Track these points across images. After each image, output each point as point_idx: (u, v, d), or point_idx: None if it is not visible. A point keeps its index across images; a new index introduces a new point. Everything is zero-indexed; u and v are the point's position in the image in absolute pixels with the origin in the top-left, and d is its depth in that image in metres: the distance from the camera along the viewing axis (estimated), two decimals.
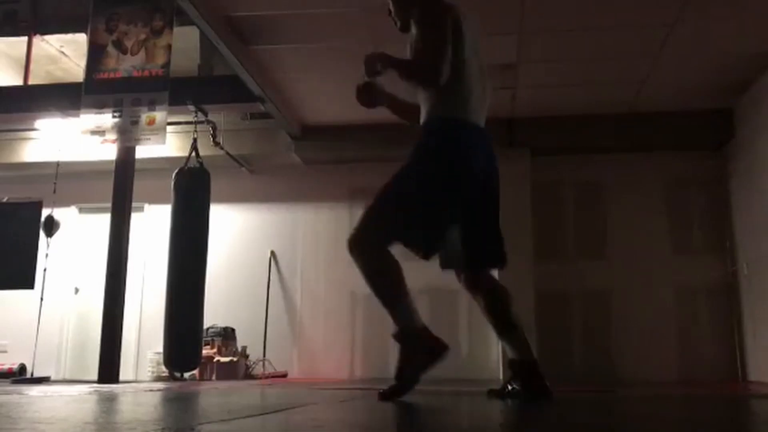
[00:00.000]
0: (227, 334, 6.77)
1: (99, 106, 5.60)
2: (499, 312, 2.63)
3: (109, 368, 5.35)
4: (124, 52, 5.68)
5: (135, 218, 5.91)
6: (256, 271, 7.29)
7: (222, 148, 6.66)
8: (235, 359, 6.59)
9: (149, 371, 6.86)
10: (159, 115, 5.49)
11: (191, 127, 6.04)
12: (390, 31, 2.96)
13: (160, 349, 5.65)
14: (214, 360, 6.51)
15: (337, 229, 6.71)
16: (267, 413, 2.01)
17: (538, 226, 6.70)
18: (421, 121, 2.63)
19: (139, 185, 5.86)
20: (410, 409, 2.44)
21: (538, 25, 5.11)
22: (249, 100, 6.02)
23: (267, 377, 6.52)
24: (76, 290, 7.49)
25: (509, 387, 2.61)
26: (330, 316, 7.06)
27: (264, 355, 6.86)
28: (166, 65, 5.58)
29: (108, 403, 2.62)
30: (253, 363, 6.84)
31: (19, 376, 6.56)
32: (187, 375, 6.09)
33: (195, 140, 5.91)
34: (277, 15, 5.06)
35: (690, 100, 6.38)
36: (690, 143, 6.81)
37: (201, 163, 5.82)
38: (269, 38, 5.34)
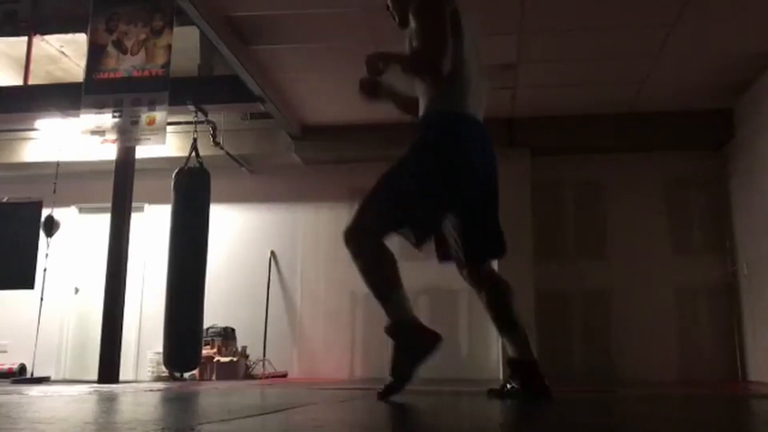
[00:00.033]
0: (227, 334, 6.77)
1: (99, 106, 5.60)
2: (501, 308, 2.63)
3: (109, 368, 5.35)
4: (124, 52, 5.68)
5: (135, 218, 5.91)
6: (256, 271, 7.29)
7: (222, 148, 6.66)
8: (235, 359, 6.59)
9: (149, 371, 6.86)
10: (159, 115, 5.49)
11: (191, 127, 6.04)
12: (390, 31, 2.96)
13: (160, 349, 5.65)
14: (214, 360, 6.51)
15: (337, 229, 6.65)
16: (267, 413, 2.01)
17: (538, 226, 6.70)
18: (420, 114, 2.64)
19: (139, 185, 5.86)
20: (410, 409, 2.44)
21: (538, 25, 5.11)
22: (249, 100, 6.02)
23: (267, 377, 6.52)
24: (76, 290, 7.49)
25: (508, 386, 2.61)
26: (330, 316, 7.06)
27: (264, 355, 6.85)
28: (166, 65, 5.58)
29: (108, 403, 2.62)
30: (253, 363, 6.84)
31: (19, 376, 6.56)
32: (187, 375, 6.09)
33: (195, 140, 5.91)
34: (277, 15, 5.06)
35: (690, 100, 6.38)
36: (690, 143, 6.81)
37: (201, 163, 5.82)
38: (269, 38, 5.34)
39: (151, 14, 5.69)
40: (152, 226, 7.23)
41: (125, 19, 5.74)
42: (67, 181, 6.62)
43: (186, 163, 5.78)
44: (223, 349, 6.65)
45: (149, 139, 5.50)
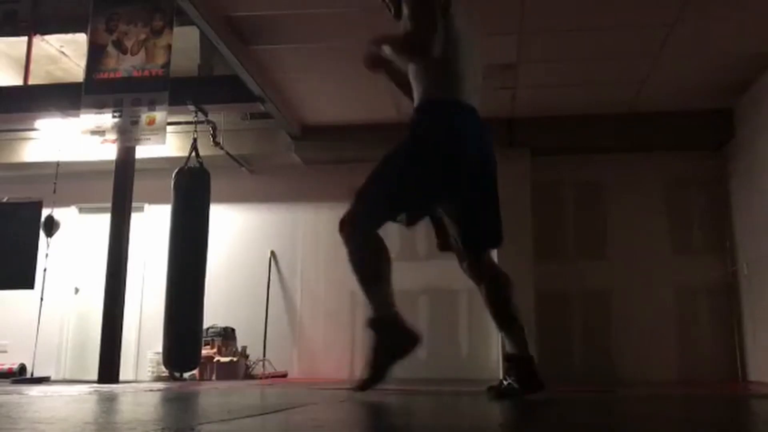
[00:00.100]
0: (227, 334, 6.77)
1: (99, 106, 5.60)
2: (501, 302, 2.63)
3: (109, 368, 5.34)
4: (124, 52, 5.68)
5: (135, 218, 5.91)
6: (256, 271, 7.29)
7: (222, 148, 6.66)
8: (235, 359, 6.59)
9: (149, 371, 6.86)
10: (159, 115, 5.49)
11: (191, 127, 6.04)
12: (390, 31, 2.95)
13: (160, 349, 5.65)
14: (214, 360, 6.51)
15: (336, 229, 6.70)
16: (267, 413, 2.01)
17: (538, 226, 6.70)
18: (414, 104, 2.65)
19: (139, 185, 5.86)
20: (410, 409, 2.44)
21: (538, 25, 5.11)
22: (249, 100, 6.02)
23: (267, 377, 6.52)
24: (76, 290, 7.49)
25: (505, 382, 2.61)
26: (330, 316, 7.06)
27: (264, 355, 6.85)
28: (166, 65, 5.58)
29: (108, 403, 2.62)
30: (253, 363, 6.84)
31: (19, 376, 6.56)
32: (187, 375, 6.09)
33: (195, 140, 5.91)
34: (277, 15, 5.06)
35: (690, 100, 6.38)
36: (690, 143, 6.81)
37: (201, 163, 5.82)
38: (269, 38, 5.34)
39: (151, 14, 5.69)
40: (152, 226, 7.23)
41: (125, 19, 5.74)
42: (67, 181, 6.62)
43: (186, 163, 5.78)
44: (223, 349, 6.65)
45: (149, 139, 5.50)
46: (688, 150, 6.86)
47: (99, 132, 5.56)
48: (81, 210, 7.72)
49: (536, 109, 6.57)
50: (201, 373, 6.39)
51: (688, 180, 6.92)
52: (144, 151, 5.96)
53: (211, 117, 6.29)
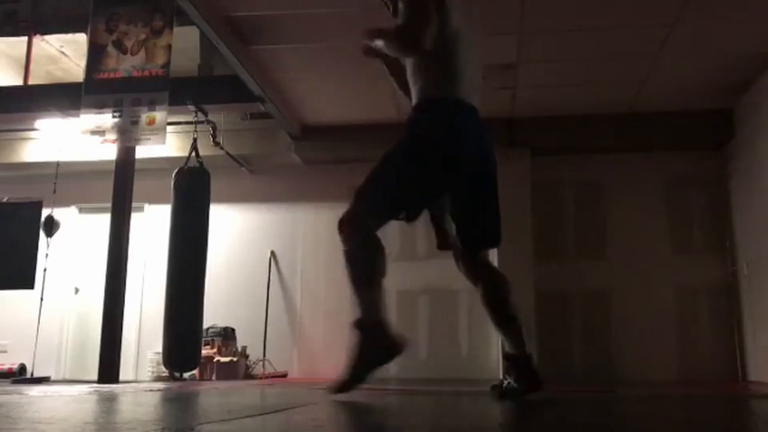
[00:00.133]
0: (227, 334, 6.77)
1: (99, 106, 5.60)
2: (498, 301, 2.62)
3: (109, 368, 5.34)
4: (124, 52, 5.68)
5: (135, 218, 5.91)
6: (256, 271, 7.29)
7: (222, 148, 6.66)
8: (235, 359, 6.59)
9: (149, 371, 6.86)
10: (159, 115, 5.49)
11: (191, 127, 6.04)
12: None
13: (160, 349, 5.65)
14: (214, 360, 6.51)
15: (336, 229, 6.71)
16: (267, 413, 2.01)
17: (538, 226, 6.70)
18: (413, 103, 2.64)
19: (139, 185, 5.86)
20: (410, 409, 2.44)
21: (538, 25, 5.11)
22: (249, 100, 6.02)
23: (267, 377, 6.52)
24: (76, 290, 7.49)
25: (506, 382, 2.61)
26: (330, 316, 7.06)
27: (264, 355, 6.85)
28: (166, 65, 5.58)
29: (108, 403, 2.62)
30: (253, 363, 6.84)
31: (19, 376, 6.56)
32: (186, 375, 6.09)
33: (195, 140, 5.91)
34: (277, 15, 5.06)
35: (690, 100, 6.38)
36: (690, 143, 6.81)
37: (201, 163, 5.82)
38: (269, 38, 5.34)
39: (151, 14, 5.69)
40: (152, 226, 7.23)
41: (125, 19, 5.74)
42: (67, 181, 6.62)
43: (186, 163, 5.78)
44: (223, 349, 6.65)
45: (149, 139, 5.50)
46: (688, 150, 6.86)
47: (99, 132, 5.56)
48: (81, 210, 7.72)
49: (536, 109, 6.57)
50: (201, 373, 6.39)
51: (688, 180, 6.92)
52: (144, 151, 5.96)
53: (211, 117, 6.29)
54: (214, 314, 6.39)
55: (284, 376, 6.74)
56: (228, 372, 6.49)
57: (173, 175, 5.72)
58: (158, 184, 6.27)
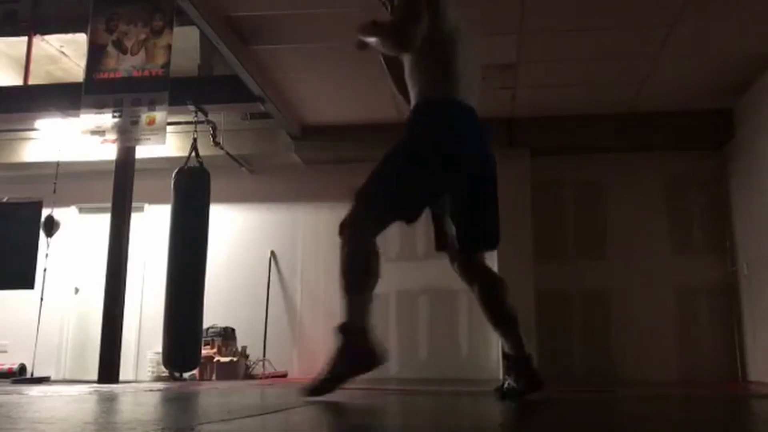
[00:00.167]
0: (227, 334, 6.77)
1: (99, 106, 5.60)
2: (495, 303, 2.61)
3: (109, 368, 5.34)
4: (124, 52, 5.68)
5: (135, 218, 5.91)
6: (256, 271, 7.29)
7: (222, 148, 6.66)
8: (235, 359, 6.59)
9: (149, 371, 6.86)
10: (159, 115, 5.49)
11: (191, 127, 6.04)
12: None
13: (160, 349, 5.65)
14: (214, 360, 6.51)
15: (336, 229, 6.71)
16: (267, 413, 2.01)
17: (538, 226, 6.70)
18: (412, 104, 2.63)
19: (139, 185, 5.86)
20: (410, 409, 2.44)
21: (538, 25, 5.11)
22: (249, 100, 6.02)
23: (267, 377, 6.52)
24: (76, 290, 7.49)
25: (506, 382, 2.61)
26: (330, 316, 7.04)
27: (264, 355, 6.85)
28: (166, 65, 5.58)
29: (108, 403, 2.62)
30: (253, 363, 6.84)
31: (19, 376, 6.56)
32: (186, 375, 6.09)
33: (195, 140, 5.91)
34: (277, 15, 5.06)
35: (690, 100, 6.38)
36: (690, 143, 6.81)
37: (201, 163, 5.82)
38: (269, 38, 5.34)
39: (151, 14, 5.69)
40: (152, 226, 7.23)
41: (125, 19, 5.74)
42: (67, 181, 6.62)
43: (186, 163, 5.78)
44: (223, 349, 6.65)
45: (149, 139, 5.50)
46: (688, 150, 6.86)
47: (99, 132, 5.56)
48: (81, 210, 7.72)
49: (536, 109, 6.57)
50: (201, 373, 6.39)
51: (688, 180, 6.92)
52: (144, 151, 5.96)
53: (211, 117, 6.29)
54: (214, 314, 6.39)
55: (284, 376, 6.74)
56: (228, 372, 6.49)
57: (173, 175, 5.72)
58: (158, 184, 6.28)
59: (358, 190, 2.54)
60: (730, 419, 2.14)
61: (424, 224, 2.73)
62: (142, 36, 5.67)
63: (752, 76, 5.87)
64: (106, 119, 5.56)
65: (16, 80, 6.51)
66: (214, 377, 6.47)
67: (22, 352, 6.64)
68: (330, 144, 7.02)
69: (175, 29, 5.62)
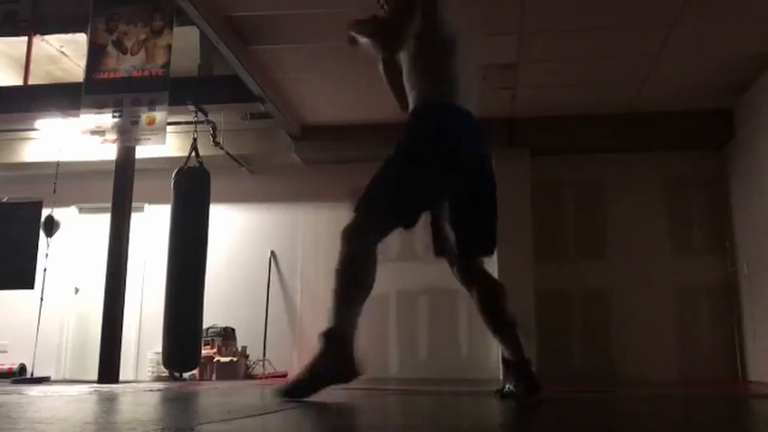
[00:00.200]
0: (227, 334, 6.77)
1: (99, 106, 5.60)
2: (493, 308, 2.60)
3: (109, 368, 5.35)
4: (124, 52, 5.68)
5: (135, 218, 5.91)
6: (256, 271, 7.29)
7: (222, 148, 6.66)
8: (235, 359, 6.59)
9: (149, 371, 6.86)
10: (159, 115, 5.49)
11: (191, 127, 6.04)
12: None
13: (160, 349, 5.65)
14: (214, 360, 6.51)
15: (337, 229, 6.67)
16: (267, 413, 2.01)
17: (538, 226, 6.70)
18: (410, 107, 2.61)
19: (139, 185, 5.86)
20: (410, 409, 2.44)
21: (538, 25, 5.11)
22: (249, 100, 6.02)
23: (267, 377, 6.52)
24: (76, 290, 7.49)
25: (505, 386, 2.61)
26: None
27: (264, 355, 6.86)
28: (166, 65, 5.58)
29: (108, 403, 2.62)
30: (253, 363, 6.84)
31: (19, 376, 6.56)
32: (186, 375, 6.09)
33: (195, 140, 5.92)
34: (277, 15, 5.06)
35: (690, 100, 6.38)
36: (690, 143, 6.81)
37: (201, 163, 5.82)
38: (269, 38, 5.34)
39: (151, 14, 5.69)
40: (152, 226, 7.23)
41: (125, 19, 5.74)
42: (67, 181, 6.62)
43: (186, 163, 5.78)
44: (223, 349, 6.65)
45: (149, 139, 5.50)
46: (688, 150, 6.86)
47: (99, 132, 5.56)
48: (81, 210, 7.72)
49: (536, 109, 6.57)
50: (201, 373, 6.39)
51: (688, 180, 6.92)
52: (144, 151, 5.96)
53: (211, 117, 6.29)
54: (214, 314, 6.39)
55: (284, 376, 6.74)
56: (228, 372, 6.49)
57: (173, 175, 5.72)
58: (158, 184, 6.28)
59: (359, 198, 2.51)
60: (730, 419, 2.14)
61: (424, 224, 2.73)
62: (142, 36, 5.67)
63: (752, 76, 5.87)
64: (106, 119, 5.56)
65: (16, 80, 6.51)
66: (214, 377, 6.47)
67: (22, 352, 6.64)
68: (330, 144, 7.02)
69: (175, 29, 5.62)
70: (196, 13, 4.75)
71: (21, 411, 2.12)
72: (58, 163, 6.43)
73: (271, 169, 7.51)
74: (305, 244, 7.34)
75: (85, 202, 7.59)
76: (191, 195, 5.68)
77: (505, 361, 2.62)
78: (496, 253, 2.72)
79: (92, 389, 3.97)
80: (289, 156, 7.17)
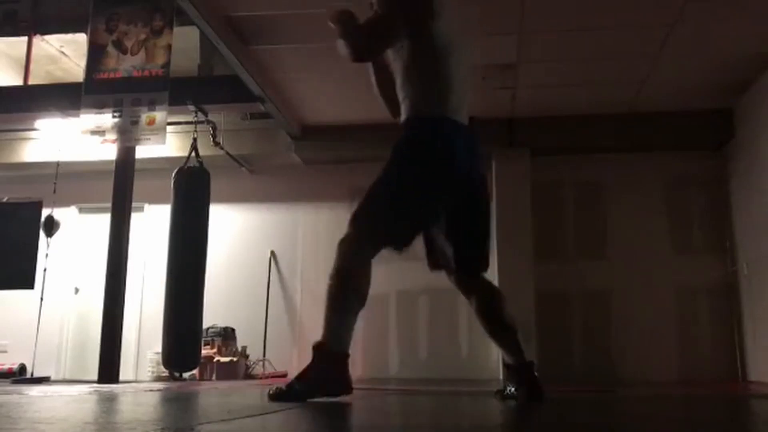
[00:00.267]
0: (227, 334, 6.77)
1: (99, 106, 5.60)
2: (492, 315, 2.59)
3: (109, 368, 5.34)
4: (124, 52, 5.68)
5: (135, 218, 5.91)
6: (256, 271, 7.29)
7: (222, 148, 6.66)
8: (235, 359, 6.59)
9: (149, 371, 6.86)
10: (159, 115, 5.49)
11: (191, 127, 6.04)
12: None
13: (160, 349, 5.65)
14: (214, 360, 6.51)
15: (337, 229, 6.65)
16: (267, 413, 2.01)
17: (538, 226, 6.70)
18: (401, 119, 2.57)
19: (139, 185, 5.86)
20: (410, 409, 2.44)
21: (538, 25, 5.11)
22: (249, 100, 6.02)
23: (267, 377, 6.52)
24: (76, 290, 7.49)
25: (507, 389, 2.60)
26: None
27: (264, 355, 6.86)
28: (166, 65, 5.58)
29: (108, 403, 2.62)
30: (253, 363, 6.84)
31: (19, 376, 6.56)
32: (186, 375, 6.09)
33: (195, 140, 5.91)
34: (277, 15, 5.06)
35: (690, 100, 6.38)
36: (690, 143, 6.81)
37: (201, 163, 5.82)
38: (269, 38, 5.34)
39: (151, 14, 5.69)
40: (152, 226, 7.22)
41: (125, 19, 5.74)
42: (67, 181, 6.62)
43: (186, 163, 5.78)
44: (223, 349, 6.65)
45: (149, 139, 5.50)
46: (688, 150, 6.86)
47: (99, 132, 5.56)
48: (81, 210, 7.72)
49: (536, 109, 6.57)
50: (201, 373, 6.39)
51: (688, 180, 6.92)
52: (144, 151, 5.96)
53: (211, 117, 6.29)
54: (214, 314, 6.39)
55: (284, 376, 6.74)
56: (228, 372, 6.49)
57: (173, 175, 5.72)
58: (158, 184, 6.28)
59: (354, 212, 2.46)
60: (730, 419, 2.14)
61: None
62: (142, 36, 5.67)
63: (752, 76, 5.87)
64: (106, 119, 5.56)
65: (16, 80, 6.51)
66: (214, 377, 6.47)
67: (22, 352, 6.63)
68: (330, 144, 7.02)
69: (175, 29, 5.61)
70: (196, 13, 4.75)
71: (21, 411, 2.12)
72: (58, 163, 6.43)
73: (271, 169, 7.50)
74: (305, 244, 7.34)
75: (85, 202, 7.59)
76: (191, 195, 5.68)
77: (506, 365, 2.61)
78: (496, 253, 2.71)
79: (92, 389, 3.97)
80: (289, 156, 7.17)
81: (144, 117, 5.50)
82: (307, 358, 2.45)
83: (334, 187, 7.10)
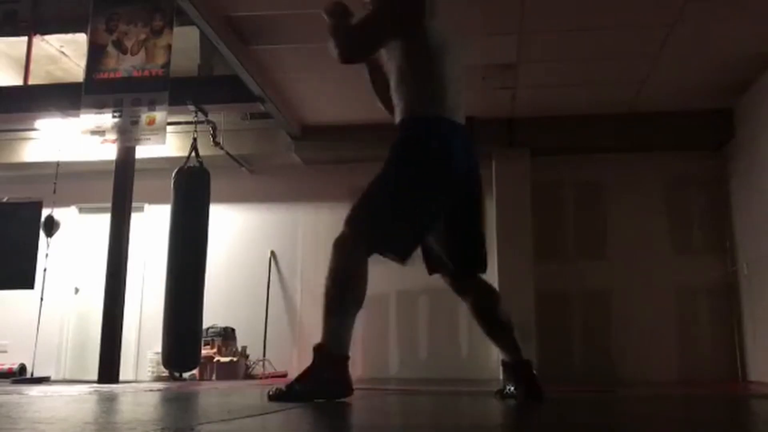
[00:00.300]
0: (227, 334, 6.77)
1: (99, 106, 5.60)
2: (488, 314, 2.59)
3: (109, 368, 5.34)
4: (124, 52, 5.68)
5: (135, 218, 5.91)
6: (256, 271, 7.29)
7: (222, 148, 6.66)
8: (235, 359, 6.59)
9: (149, 371, 6.86)
10: (159, 115, 5.49)
11: (191, 127, 6.04)
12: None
13: (160, 349, 5.65)
14: (214, 360, 6.51)
15: (336, 230, 6.69)
16: (267, 413, 2.01)
17: (538, 226, 6.70)
18: (396, 120, 2.56)
19: (139, 185, 5.86)
20: (410, 409, 2.44)
21: (538, 25, 5.11)
22: (249, 100, 6.02)
23: (267, 377, 6.52)
24: (76, 290, 7.49)
25: (506, 389, 2.60)
26: None
27: (264, 355, 6.86)
28: (166, 65, 5.58)
29: (108, 403, 2.62)
30: (253, 363, 6.84)
31: (19, 376, 6.56)
32: (186, 375, 6.09)
33: (195, 140, 5.92)
34: (277, 15, 5.06)
35: (690, 100, 6.38)
36: (690, 143, 6.81)
37: (201, 163, 5.82)
38: (269, 38, 5.34)
39: (151, 14, 5.69)
40: (152, 226, 7.23)
41: (125, 19, 5.74)
42: (67, 181, 6.62)
43: (186, 163, 5.78)
44: (223, 349, 6.65)
45: (149, 139, 5.50)
46: (688, 150, 6.86)
47: (99, 132, 5.56)
48: (81, 210, 7.73)
49: (536, 109, 6.57)
50: (201, 373, 6.39)
51: (688, 180, 6.92)
52: (144, 151, 5.96)
53: (211, 117, 6.29)
54: (214, 314, 6.39)
55: (284, 376, 6.74)
56: (228, 372, 6.49)
57: (173, 175, 5.72)
58: (158, 184, 6.28)
59: (348, 213, 2.43)
60: (730, 419, 2.14)
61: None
62: (142, 36, 5.67)
63: (752, 76, 5.87)
64: (106, 119, 5.56)
65: (16, 80, 6.51)
66: (214, 377, 6.47)
67: (22, 352, 6.64)
68: (330, 144, 7.02)
69: (175, 29, 5.61)
70: (196, 13, 4.75)
71: (21, 411, 2.12)
72: (58, 163, 6.43)
73: (271, 169, 7.51)
74: (305, 244, 7.34)
75: (85, 202, 7.59)
76: (191, 195, 5.68)
77: (504, 364, 2.61)
78: (496, 253, 2.71)
79: (92, 389, 3.97)
80: (289, 156, 7.18)
81: (144, 117, 5.50)
82: (307, 358, 2.44)
83: (334, 187, 7.10)
